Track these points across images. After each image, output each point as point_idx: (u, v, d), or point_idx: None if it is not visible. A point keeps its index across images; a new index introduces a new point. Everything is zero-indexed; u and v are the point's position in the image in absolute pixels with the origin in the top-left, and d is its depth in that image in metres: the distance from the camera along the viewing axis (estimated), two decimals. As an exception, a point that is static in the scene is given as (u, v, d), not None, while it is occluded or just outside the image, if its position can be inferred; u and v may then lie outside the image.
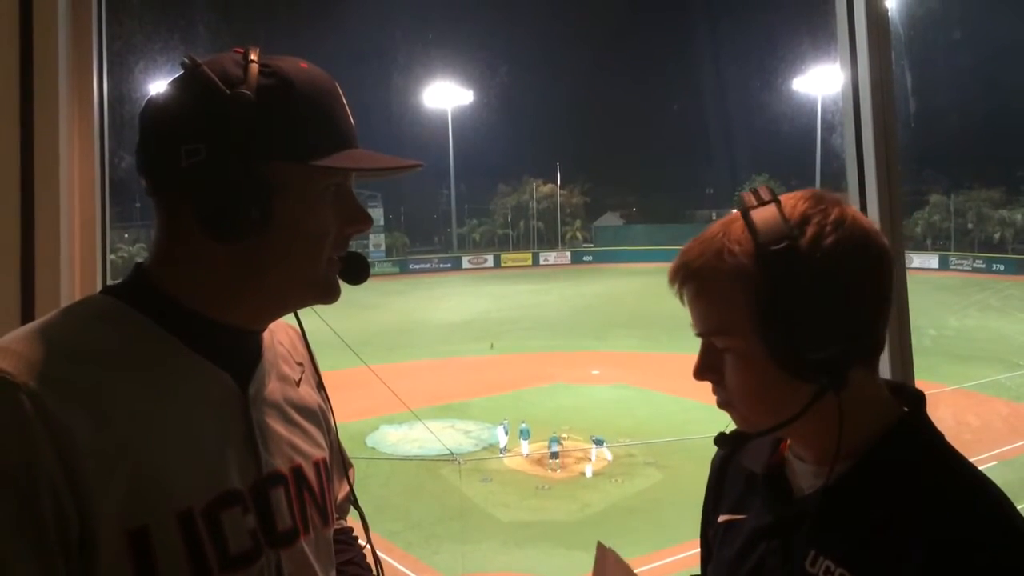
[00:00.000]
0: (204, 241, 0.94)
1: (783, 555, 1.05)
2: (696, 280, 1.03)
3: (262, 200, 0.93)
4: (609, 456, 16.85)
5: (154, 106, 0.97)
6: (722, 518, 1.19)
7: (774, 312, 0.96)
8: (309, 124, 0.96)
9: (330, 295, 1.04)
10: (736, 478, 1.20)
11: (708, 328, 1.04)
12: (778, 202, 1.01)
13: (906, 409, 1.05)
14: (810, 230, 0.98)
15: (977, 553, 0.90)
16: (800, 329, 0.96)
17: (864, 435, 1.00)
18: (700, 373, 1.07)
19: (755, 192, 1.03)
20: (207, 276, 0.97)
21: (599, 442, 17.15)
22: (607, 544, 1.28)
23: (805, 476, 1.07)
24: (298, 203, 0.97)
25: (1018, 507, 0.95)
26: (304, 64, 1.00)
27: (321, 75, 1.00)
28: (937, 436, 1.03)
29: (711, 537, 1.22)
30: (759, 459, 1.15)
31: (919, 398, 1.06)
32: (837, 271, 0.97)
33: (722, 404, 1.07)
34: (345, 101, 1.03)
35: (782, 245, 0.97)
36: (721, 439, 1.07)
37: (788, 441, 1.13)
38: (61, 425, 0.82)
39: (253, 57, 0.96)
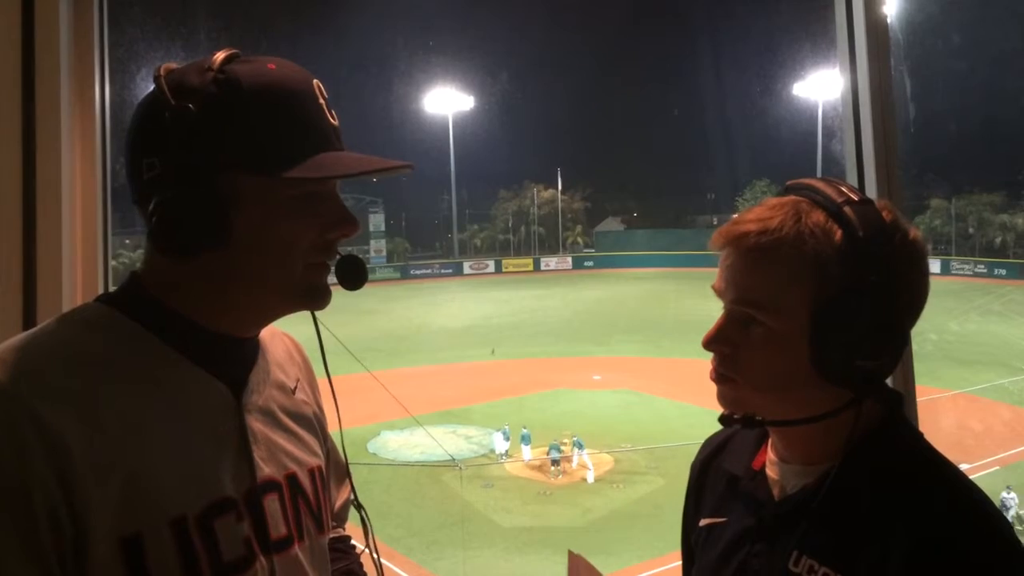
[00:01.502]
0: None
1: (767, 556, 1.04)
2: (760, 252, 1.00)
3: (214, 215, 0.91)
4: (588, 462, 16.79)
5: (131, 118, 0.97)
6: (704, 522, 1.18)
7: (841, 310, 0.96)
8: (262, 132, 0.93)
9: (315, 301, 1.01)
10: (717, 481, 1.20)
11: (753, 301, 1.01)
12: (873, 203, 1.01)
13: (887, 409, 1.05)
14: (899, 239, 0.99)
15: (958, 551, 0.91)
16: (862, 333, 0.96)
17: (848, 434, 1.01)
18: (715, 342, 1.05)
19: (830, 184, 1.02)
20: (188, 285, 0.97)
21: (579, 445, 17.11)
22: (576, 552, 1.29)
23: (789, 477, 1.07)
24: (258, 215, 0.94)
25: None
26: (272, 65, 0.96)
27: (288, 76, 0.96)
28: (917, 436, 1.05)
29: (693, 541, 1.22)
30: (740, 461, 1.15)
31: (897, 399, 1.06)
32: (909, 284, 0.99)
33: (720, 377, 1.06)
34: (323, 100, 0.98)
35: (881, 247, 0.97)
36: (727, 419, 1.06)
37: (770, 442, 1.13)
38: (54, 433, 0.82)
39: (213, 63, 0.94)
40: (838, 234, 0.98)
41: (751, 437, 1.17)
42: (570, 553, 1.29)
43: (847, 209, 0.99)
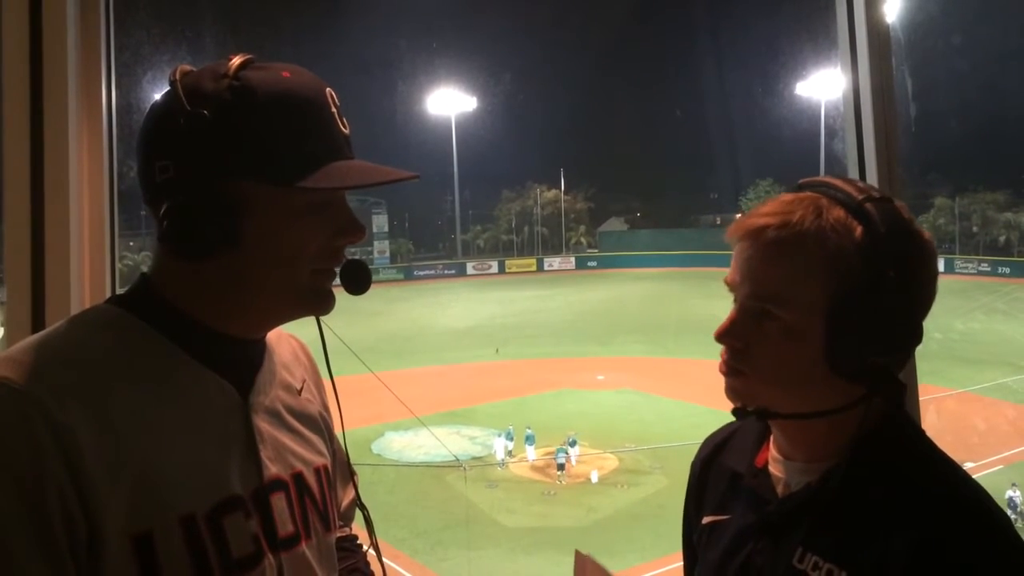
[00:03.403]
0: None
1: (771, 553, 1.05)
2: (779, 246, 1.00)
3: (224, 220, 0.92)
4: (573, 460, 16.75)
5: (144, 119, 0.98)
6: (706, 519, 1.19)
7: (859, 306, 0.96)
8: (275, 141, 0.93)
9: (319, 307, 1.02)
10: (718, 479, 1.20)
11: (769, 295, 1.01)
12: (892, 201, 1.02)
13: (890, 407, 1.05)
14: (916, 237, 1.01)
15: (961, 550, 0.91)
16: (879, 329, 0.97)
17: (852, 432, 1.01)
18: (729, 335, 1.05)
19: (847, 181, 1.03)
20: (197, 288, 0.98)
21: (572, 443, 17.10)
22: (584, 552, 1.27)
23: (792, 474, 1.07)
24: (268, 221, 0.95)
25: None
26: (287, 73, 0.97)
27: (302, 85, 0.97)
28: (919, 433, 1.05)
29: (695, 540, 1.22)
30: (743, 458, 1.16)
31: (901, 397, 1.07)
32: (924, 281, 1.00)
33: (730, 370, 1.06)
34: (335, 109, 0.99)
35: (901, 245, 0.98)
36: (740, 412, 1.07)
37: (772, 440, 1.14)
38: (67, 432, 0.83)
39: (228, 69, 0.95)
40: (858, 230, 0.98)
41: (752, 435, 1.17)
42: (577, 553, 1.27)
43: (868, 206, 0.99)
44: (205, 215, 0.92)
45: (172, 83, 0.95)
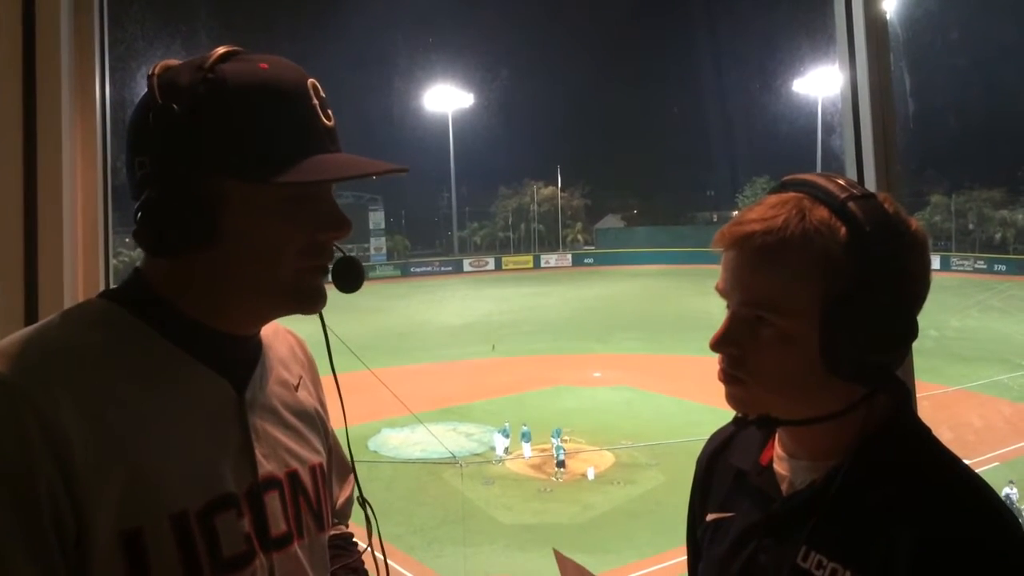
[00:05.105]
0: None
1: (775, 551, 1.04)
2: (766, 252, 0.99)
3: (197, 216, 0.91)
4: (561, 455, 16.76)
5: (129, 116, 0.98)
6: (710, 516, 1.18)
7: (852, 306, 0.95)
8: (247, 135, 0.91)
9: (305, 305, 1.00)
10: (723, 476, 1.19)
11: (761, 302, 1.00)
12: (875, 197, 1.00)
13: (895, 405, 1.05)
14: (903, 231, 0.99)
15: (968, 549, 0.91)
16: (874, 328, 0.96)
17: (858, 430, 1.01)
18: (724, 344, 1.04)
19: (829, 179, 1.02)
20: (185, 284, 0.97)
21: (556, 434, 17.11)
22: (560, 551, 1.28)
23: (797, 472, 1.07)
24: (246, 215, 0.93)
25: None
26: (264, 64, 0.94)
27: (279, 76, 0.94)
28: (926, 432, 1.04)
29: (699, 536, 1.22)
30: (747, 456, 1.15)
31: (906, 394, 1.06)
32: (915, 275, 1.00)
33: (729, 378, 1.05)
34: (317, 101, 0.96)
35: (887, 241, 0.97)
36: (742, 421, 1.06)
37: (777, 437, 1.13)
38: (56, 427, 0.83)
39: (206, 61, 0.93)
40: (843, 230, 0.97)
41: (758, 432, 1.16)
42: (556, 553, 1.28)
43: (851, 204, 0.98)
44: (175, 211, 0.91)
45: (149, 78, 0.94)
